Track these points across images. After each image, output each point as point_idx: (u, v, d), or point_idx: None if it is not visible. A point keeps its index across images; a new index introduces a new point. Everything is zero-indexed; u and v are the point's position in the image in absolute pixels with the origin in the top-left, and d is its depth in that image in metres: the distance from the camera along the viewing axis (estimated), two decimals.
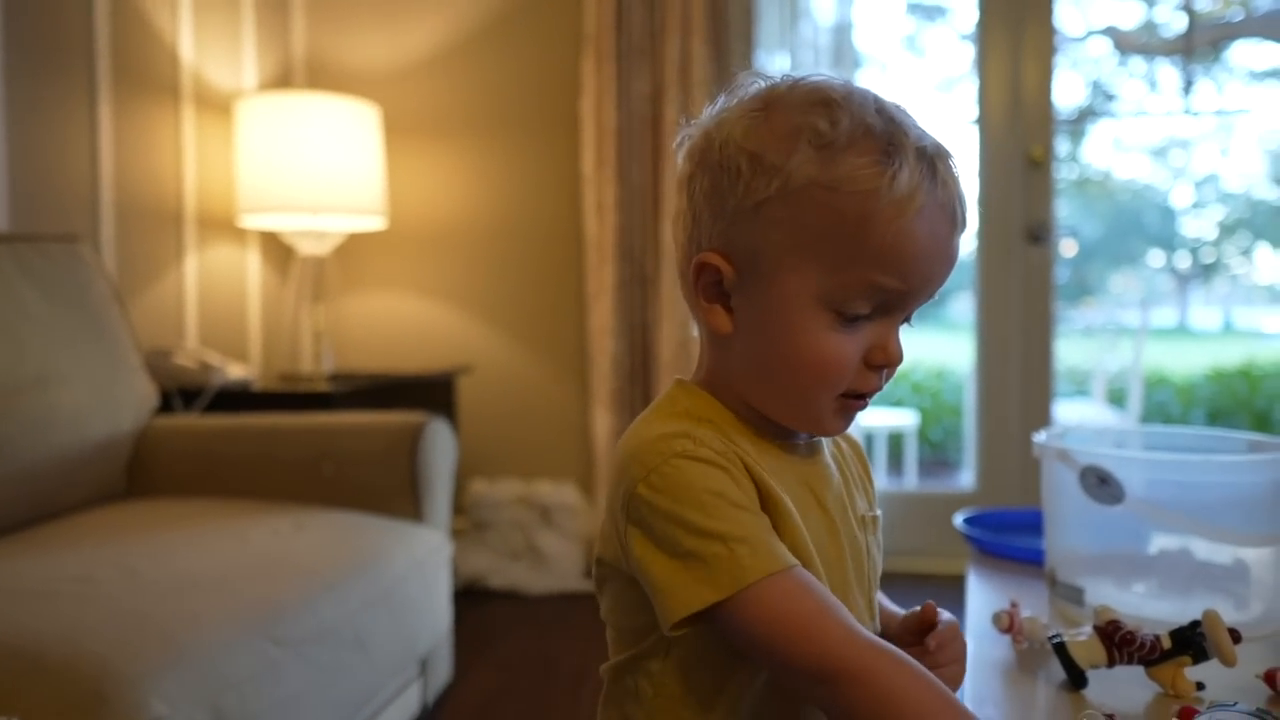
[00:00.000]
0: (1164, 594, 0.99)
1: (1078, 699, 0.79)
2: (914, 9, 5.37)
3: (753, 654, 0.59)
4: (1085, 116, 5.57)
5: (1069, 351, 4.83)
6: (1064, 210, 6.15)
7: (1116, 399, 4.83)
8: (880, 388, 0.64)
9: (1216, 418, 5.40)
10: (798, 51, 2.84)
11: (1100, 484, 0.95)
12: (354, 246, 2.88)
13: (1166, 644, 0.78)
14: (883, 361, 0.62)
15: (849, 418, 0.65)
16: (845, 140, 0.58)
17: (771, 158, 0.59)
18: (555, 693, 2.04)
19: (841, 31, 2.98)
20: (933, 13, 5.56)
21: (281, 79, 2.88)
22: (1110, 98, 5.65)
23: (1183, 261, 7.64)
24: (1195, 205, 7.23)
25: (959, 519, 1.31)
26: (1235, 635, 0.76)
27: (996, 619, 0.91)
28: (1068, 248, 6.57)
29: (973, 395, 3.16)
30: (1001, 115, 2.83)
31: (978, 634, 0.94)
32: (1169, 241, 7.45)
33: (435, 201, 2.93)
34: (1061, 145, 5.68)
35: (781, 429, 0.65)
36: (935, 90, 5.44)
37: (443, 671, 1.90)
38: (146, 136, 2.32)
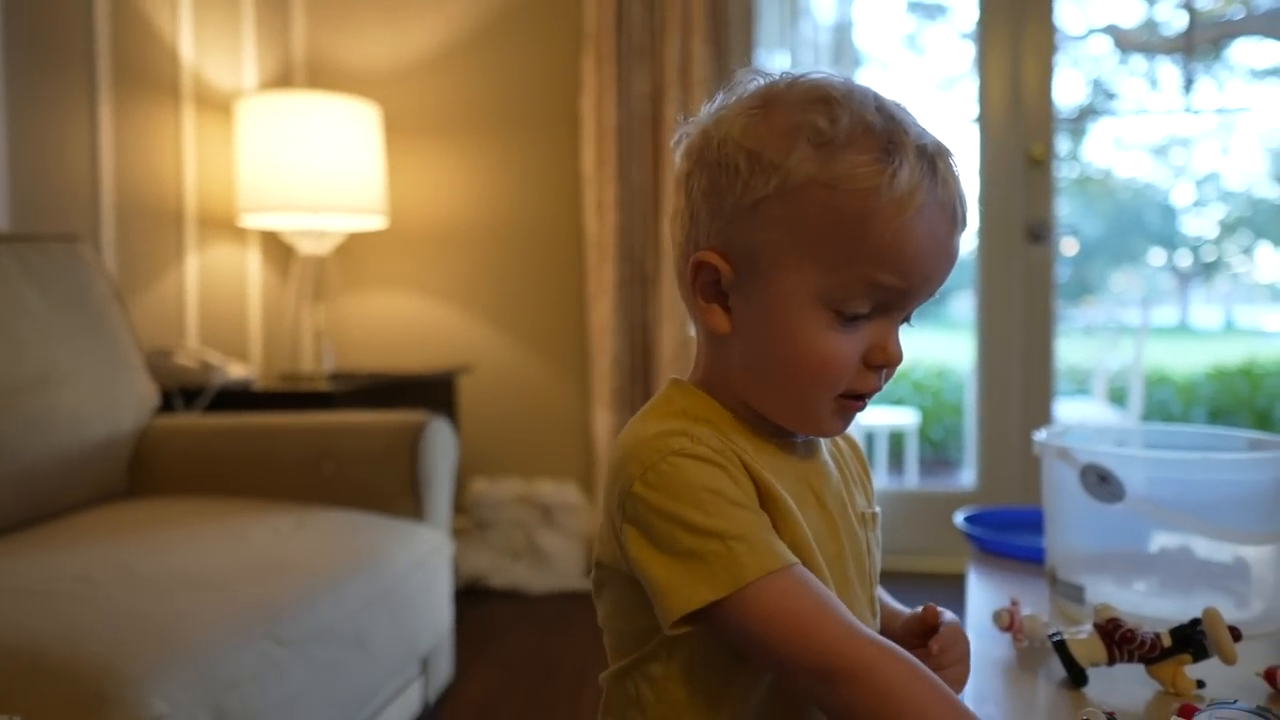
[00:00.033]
0: (1164, 592, 0.99)
1: (1078, 697, 0.79)
2: (914, 7, 5.37)
3: (752, 653, 0.58)
4: (1086, 115, 5.57)
5: (1070, 350, 4.84)
6: (1065, 209, 6.15)
7: (1117, 398, 4.83)
8: (879, 388, 0.63)
9: (1217, 416, 5.40)
10: (798, 50, 2.84)
11: (1101, 482, 0.95)
12: (354, 246, 2.88)
13: (1167, 642, 0.77)
14: (882, 361, 0.62)
15: (847, 418, 0.64)
16: (845, 138, 0.58)
17: (770, 155, 0.59)
18: (556, 692, 2.04)
19: (842, 30, 2.98)
20: (933, 11, 5.55)
21: (282, 78, 2.89)
22: (1111, 96, 5.65)
23: (1184, 260, 7.64)
24: (1196, 204, 7.23)
25: (959, 517, 1.31)
26: (1235, 633, 0.76)
27: (997, 617, 0.91)
28: (1068, 246, 6.57)
29: (973, 394, 3.16)
30: (1002, 114, 2.83)
31: (978, 632, 0.94)
32: (1170, 240, 7.45)
33: (435, 201, 2.93)
34: (1062, 144, 5.67)
35: (780, 429, 0.65)
36: (936, 89, 5.44)
37: (444, 671, 1.90)
38: (147, 136, 2.32)
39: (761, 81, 0.63)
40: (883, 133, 0.58)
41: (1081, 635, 0.81)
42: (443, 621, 1.81)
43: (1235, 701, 0.67)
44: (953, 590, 1.24)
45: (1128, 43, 5.35)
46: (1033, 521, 1.25)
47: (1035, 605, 1.00)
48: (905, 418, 4.07)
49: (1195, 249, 7.48)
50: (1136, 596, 0.99)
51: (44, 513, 1.63)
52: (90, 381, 1.73)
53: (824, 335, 0.60)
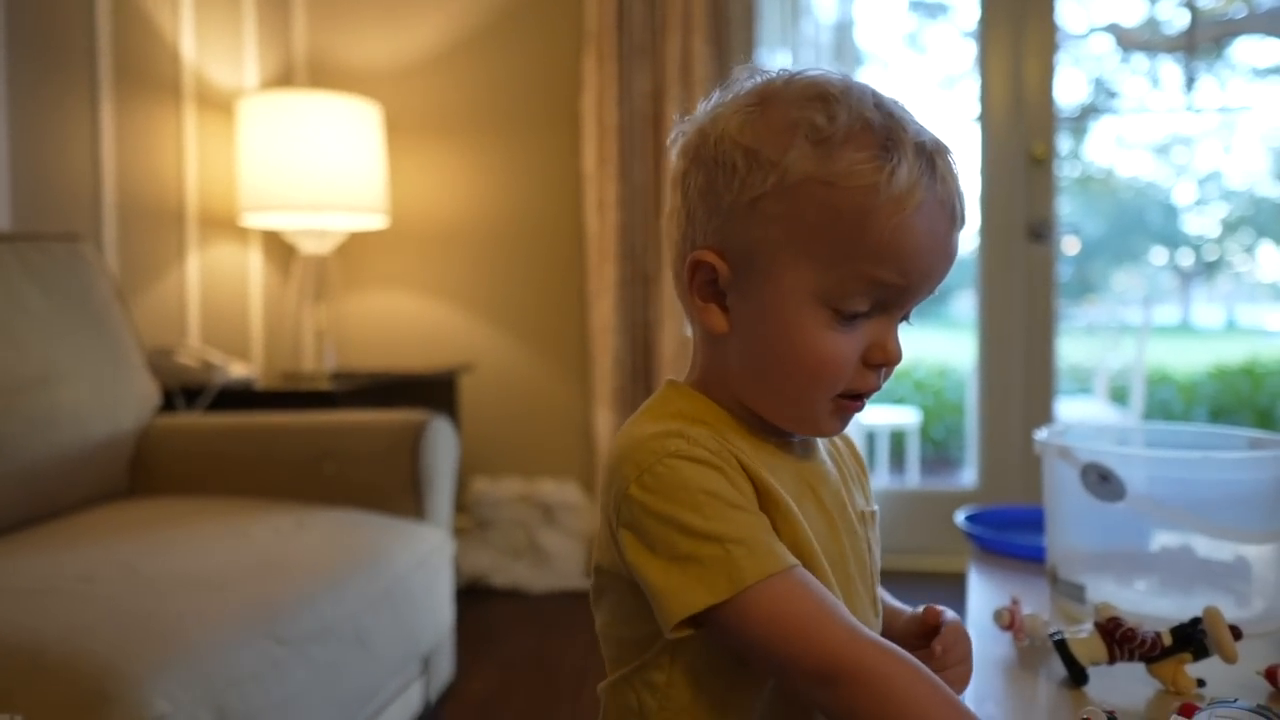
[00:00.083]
0: (1165, 591, 0.99)
1: (1079, 696, 0.79)
2: (916, 6, 5.37)
3: (753, 658, 0.58)
4: (1087, 114, 5.56)
5: (1071, 349, 4.83)
6: (1066, 208, 6.15)
7: (1119, 397, 4.82)
8: (878, 388, 0.63)
9: (1219, 415, 5.40)
10: (799, 49, 2.84)
11: (1101, 481, 0.95)
12: (356, 245, 2.89)
13: (1167, 641, 0.77)
14: (882, 360, 0.61)
15: (845, 419, 0.64)
16: (843, 135, 0.57)
17: (768, 153, 0.58)
18: (557, 691, 2.04)
19: (843, 29, 2.98)
20: (934, 10, 5.55)
21: (283, 77, 2.89)
22: (1112, 95, 5.64)
23: (1185, 259, 7.64)
24: (1198, 202, 7.23)
25: (960, 516, 1.31)
26: (1236, 632, 0.76)
27: (998, 616, 0.91)
28: (1070, 245, 6.56)
29: (975, 393, 3.16)
30: (1003, 113, 2.83)
31: (979, 631, 0.94)
32: (1172, 239, 7.45)
33: (437, 200, 2.93)
34: (1064, 142, 5.67)
35: (777, 429, 0.64)
36: (937, 88, 5.44)
37: (445, 670, 1.90)
38: (148, 135, 2.33)
39: (758, 79, 0.63)
40: (881, 129, 0.58)
41: (1082, 634, 0.81)
42: (444, 621, 1.81)
43: (1236, 700, 0.67)
44: (953, 589, 1.24)
45: (1129, 41, 5.35)
46: (1034, 520, 1.25)
47: (1036, 604, 1.00)
48: (906, 417, 4.07)
49: (1197, 248, 7.47)
50: (1137, 595, 0.99)
51: (45, 512, 1.63)
52: (91, 380, 1.73)
53: (822, 334, 0.59)
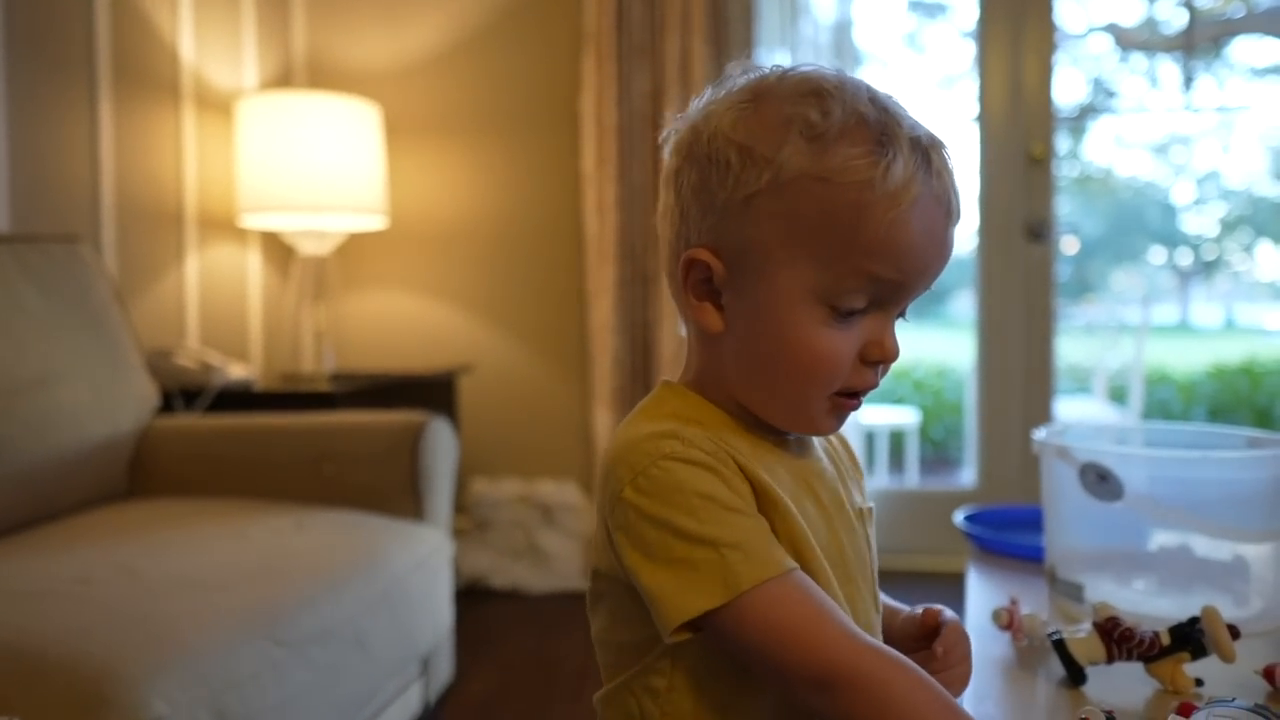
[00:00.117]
0: (1163, 590, 0.99)
1: (1077, 696, 0.79)
2: (915, 6, 5.37)
3: (750, 663, 0.57)
4: (1086, 113, 5.57)
5: (1070, 349, 4.83)
6: (1065, 207, 6.15)
7: (1118, 396, 4.83)
8: (875, 385, 0.62)
9: (1218, 415, 5.40)
10: (798, 49, 2.84)
11: (1100, 481, 0.95)
12: (355, 246, 2.89)
13: (1165, 640, 0.77)
14: (879, 357, 0.61)
15: (842, 417, 0.63)
16: (837, 130, 0.57)
17: (762, 150, 0.58)
18: (557, 692, 2.04)
19: (842, 29, 2.98)
20: (933, 10, 5.56)
21: (282, 78, 2.89)
22: (1111, 94, 5.64)
23: (1184, 258, 7.64)
24: (1197, 202, 7.23)
25: (959, 516, 1.31)
26: (1234, 631, 0.76)
27: (996, 616, 0.91)
28: (1069, 245, 6.56)
29: (974, 393, 3.16)
30: (1002, 112, 2.83)
31: (978, 631, 0.94)
32: (1170, 238, 7.45)
33: (436, 200, 2.93)
34: (1062, 142, 5.67)
35: (774, 428, 0.64)
36: (936, 88, 5.44)
37: (444, 671, 1.90)
38: (147, 136, 2.33)
39: (751, 75, 0.62)
40: (876, 125, 0.57)
41: (1081, 634, 0.81)
42: (443, 622, 1.81)
43: (1234, 699, 0.67)
44: (952, 589, 1.24)
45: (1128, 41, 5.35)
46: (1032, 520, 1.25)
47: (1035, 604, 1.00)
48: (906, 417, 4.07)
49: (1196, 247, 7.48)
50: (1135, 595, 0.99)
51: (44, 514, 1.63)
52: (90, 382, 1.73)
53: (819, 331, 0.59)
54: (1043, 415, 2.83)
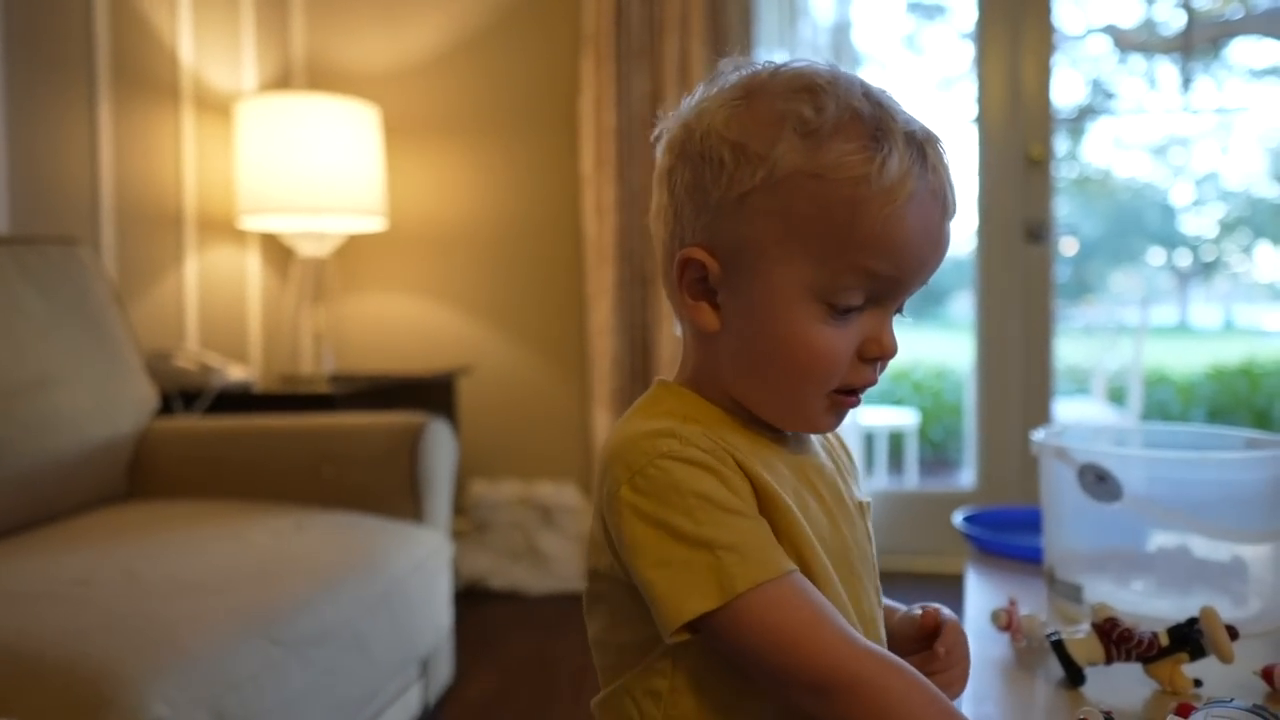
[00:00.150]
0: (1162, 591, 0.99)
1: (1076, 696, 0.79)
2: (913, 8, 5.37)
3: (747, 666, 0.56)
4: (1085, 114, 5.57)
5: (1069, 350, 4.83)
6: (1064, 209, 6.15)
7: (1117, 397, 4.83)
8: (874, 381, 0.62)
9: (1217, 416, 5.40)
10: (797, 51, 2.84)
11: (1098, 481, 0.95)
12: (354, 248, 2.89)
13: (1164, 641, 0.78)
14: (877, 354, 0.60)
15: (840, 415, 0.63)
16: (832, 126, 0.56)
17: (755, 147, 0.57)
18: (556, 693, 2.04)
19: (840, 31, 2.98)
20: (932, 11, 5.56)
21: (281, 80, 2.89)
22: (1110, 96, 5.64)
23: (1183, 259, 7.64)
24: (1195, 203, 7.23)
25: (959, 517, 1.32)
26: (1233, 632, 0.76)
27: (995, 617, 0.91)
28: (1068, 246, 6.56)
29: (973, 394, 3.16)
30: (1001, 114, 2.83)
31: (977, 632, 0.94)
32: (1169, 239, 7.45)
33: (435, 202, 2.93)
34: (1061, 143, 5.68)
35: (771, 425, 0.63)
36: (935, 89, 5.44)
37: (443, 672, 1.90)
38: (146, 138, 2.33)
39: (744, 72, 0.62)
40: (870, 120, 0.57)
41: (1079, 635, 0.81)
42: (442, 623, 1.81)
43: (1232, 700, 0.67)
44: (951, 590, 1.24)
45: (1126, 42, 5.35)
46: (1031, 521, 1.25)
47: (1033, 605, 1.00)
48: (905, 418, 4.07)
49: (1194, 248, 7.48)
50: (1134, 596, 0.99)
51: (43, 515, 1.63)
52: (89, 384, 1.73)
53: (816, 329, 0.59)
54: (1042, 416, 2.83)
